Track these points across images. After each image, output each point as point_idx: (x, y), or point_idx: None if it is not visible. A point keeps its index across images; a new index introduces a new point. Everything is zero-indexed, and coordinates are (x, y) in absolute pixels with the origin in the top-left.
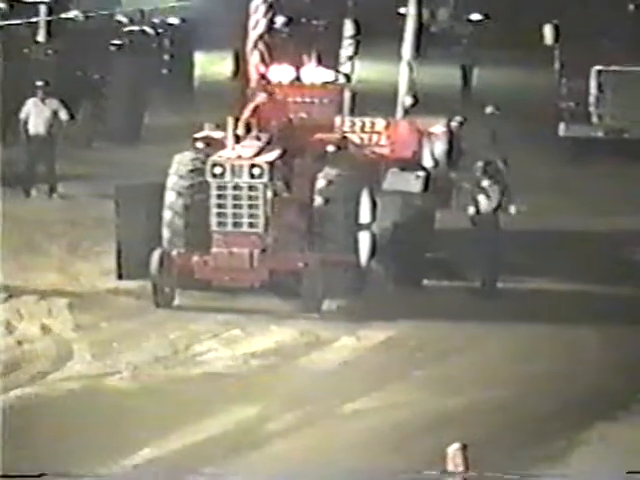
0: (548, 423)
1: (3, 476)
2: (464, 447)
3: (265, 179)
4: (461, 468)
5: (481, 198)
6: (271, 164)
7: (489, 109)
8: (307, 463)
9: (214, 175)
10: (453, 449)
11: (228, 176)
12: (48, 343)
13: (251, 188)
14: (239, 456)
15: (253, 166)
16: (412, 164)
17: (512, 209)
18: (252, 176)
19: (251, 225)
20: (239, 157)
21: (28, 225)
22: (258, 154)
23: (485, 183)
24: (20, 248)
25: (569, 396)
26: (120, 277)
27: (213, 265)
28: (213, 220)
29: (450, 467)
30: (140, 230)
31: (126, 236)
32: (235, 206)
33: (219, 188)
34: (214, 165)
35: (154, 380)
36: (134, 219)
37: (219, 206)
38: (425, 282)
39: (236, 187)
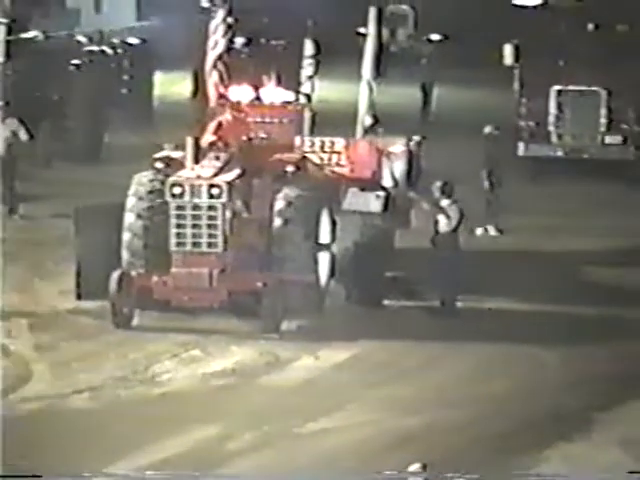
0: (507, 442)
1: (3, 476)
2: (424, 467)
3: (224, 199)
4: None
5: (440, 218)
6: (230, 184)
7: (487, 129)
8: None
9: (173, 195)
10: (413, 469)
11: (187, 196)
12: (7, 364)
13: (210, 208)
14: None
15: (212, 186)
16: (372, 184)
17: (491, 230)
18: (211, 196)
19: (210, 245)
20: (198, 177)
21: None
22: (217, 174)
23: (444, 203)
24: None
25: (527, 416)
26: (79, 297)
27: (172, 285)
28: (172, 240)
29: None
30: (99, 251)
31: (85, 257)
32: (194, 226)
33: (178, 208)
34: (173, 185)
35: (114, 400)
36: (93, 240)
37: (178, 226)
38: (385, 302)
39: (195, 207)
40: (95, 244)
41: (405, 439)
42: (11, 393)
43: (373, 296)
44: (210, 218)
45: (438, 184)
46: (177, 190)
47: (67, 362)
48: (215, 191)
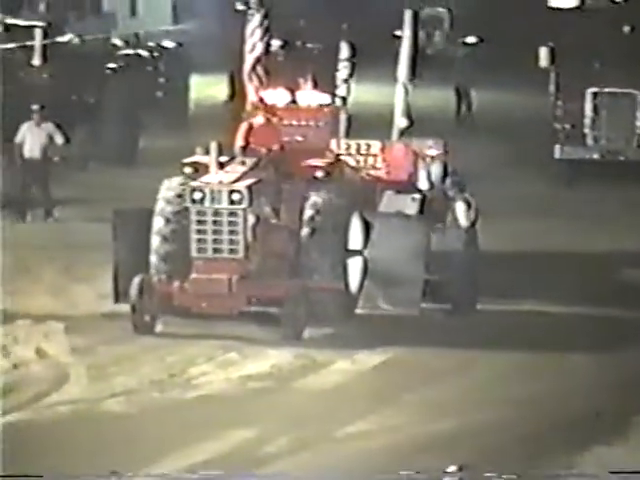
0: (538, 445)
1: (3, 476)
2: (460, 468)
3: (245, 204)
4: None
5: (460, 211)
6: (251, 189)
7: None
8: None
9: (193, 201)
10: (450, 470)
11: (208, 201)
12: (44, 366)
13: (231, 214)
14: None
15: (232, 192)
16: (408, 186)
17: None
18: (232, 202)
19: (231, 251)
20: (220, 182)
21: (24, 249)
22: (240, 179)
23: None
24: (16, 272)
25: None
26: (117, 300)
27: (191, 291)
28: (193, 246)
29: None
30: (137, 254)
31: (123, 260)
32: (215, 232)
33: (199, 214)
34: (193, 190)
35: (150, 403)
36: (131, 243)
37: (199, 232)
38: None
39: (216, 213)
40: (133, 247)
41: (440, 441)
42: (46, 396)
43: (413, 299)
44: (231, 224)
45: (455, 179)
46: (197, 195)
47: (103, 366)
48: (236, 196)
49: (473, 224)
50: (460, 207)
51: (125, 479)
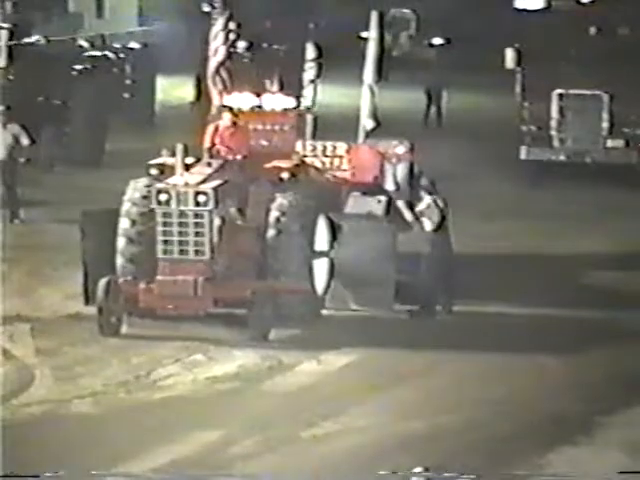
0: (506, 446)
1: (3, 476)
2: (426, 469)
3: (210, 206)
4: None
5: (424, 221)
6: (216, 191)
7: None
8: None
9: (159, 202)
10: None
11: (174, 203)
12: (10, 368)
13: (197, 215)
14: None
15: (198, 193)
16: (374, 188)
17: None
18: (197, 203)
19: (197, 253)
20: (186, 184)
21: None
22: (205, 181)
23: (426, 201)
24: None
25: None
26: (87, 302)
27: (157, 293)
28: (159, 247)
29: None
30: (105, 255)
31: (92, 261)
32: (181, 233)
33: (165, 215)
34: (159, 192)
35: (116, 404)
36: (99, 244)
37: (165, 233)
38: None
39: (182, 214)
40: (101, 249)
41: (407, 442)
42: (13, 398)
43: (385, 299)
44: (197, 225)
45: (423, 182)
46: (163, 197)
47: (69, 366)
48: (202, 198)
49: (439, 226)
50: (427, 209)
51: (97, 478)
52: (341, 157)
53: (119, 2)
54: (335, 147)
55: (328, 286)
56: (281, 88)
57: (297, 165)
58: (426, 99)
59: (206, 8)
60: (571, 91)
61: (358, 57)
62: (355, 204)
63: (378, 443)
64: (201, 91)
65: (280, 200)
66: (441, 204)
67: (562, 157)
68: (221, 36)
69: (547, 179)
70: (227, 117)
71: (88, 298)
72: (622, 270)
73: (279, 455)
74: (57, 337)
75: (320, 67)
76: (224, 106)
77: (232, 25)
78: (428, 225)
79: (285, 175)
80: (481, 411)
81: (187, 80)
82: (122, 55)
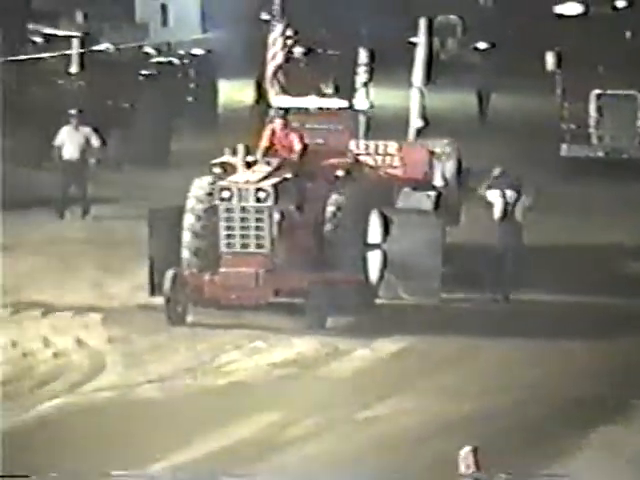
0: (551, 425)
1: (3, 476)
2: (475, 449)
3: (270, 202)
4: (472, 469)
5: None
6: (276, 188)
7: None
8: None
9: (222, 199)
10: (465, 451)
11: (235, 200)
12: (83, 355)
13: (257, 211)
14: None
15: (259, 190)
16: (424, 184)
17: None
18: (258, 199)
19: (258, 246)
20: (247, 182)
21: (62, 245)
22: (266, 178)
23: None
24: (54, 267)
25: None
26: (152, 293)
27: (221, 284)
28: (222, 242)
29: (462, 469)
30: (171, 249)
31: (158, 255)
32: (242, 228)
33: (227, 211)
34: (222, 189)
35: (182, 389)
36: (165, 239)
37: (227, 228)
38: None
39: (243, 210)
40: (167, 243)
41: (454, 424)
42: (87, 382)
43: (432, 289)
44: (257, 220)
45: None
46: (226, 194)
47: (139, 354)
48: (262, 195)
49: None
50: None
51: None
52: (392, 155)
53: (183, 11)
54: (387, 146)
55: (381, 277)
56: (336, 91)
57: (351, 163)
58: (477, 100)
59: (265, 16)
60: (608, 91)
61: (407, 61)
62: (406, 199)
63: (426, 425)
64: (261, 94)
65: (336, 196)
66: (527, 202)
67: (600, 154)
68: (279, 42)
69: (586, 174)
70: (283, 118)
71: (154, 289)
72: None
73: (334, 436)
74: (127, 326)
75: (372, 71)
76: (281, 108)
77: (289, 32)
78: (519, 216)
79: (340, 173)
80: (527, 393)
81: (247, 84)
82: (186, 61)
